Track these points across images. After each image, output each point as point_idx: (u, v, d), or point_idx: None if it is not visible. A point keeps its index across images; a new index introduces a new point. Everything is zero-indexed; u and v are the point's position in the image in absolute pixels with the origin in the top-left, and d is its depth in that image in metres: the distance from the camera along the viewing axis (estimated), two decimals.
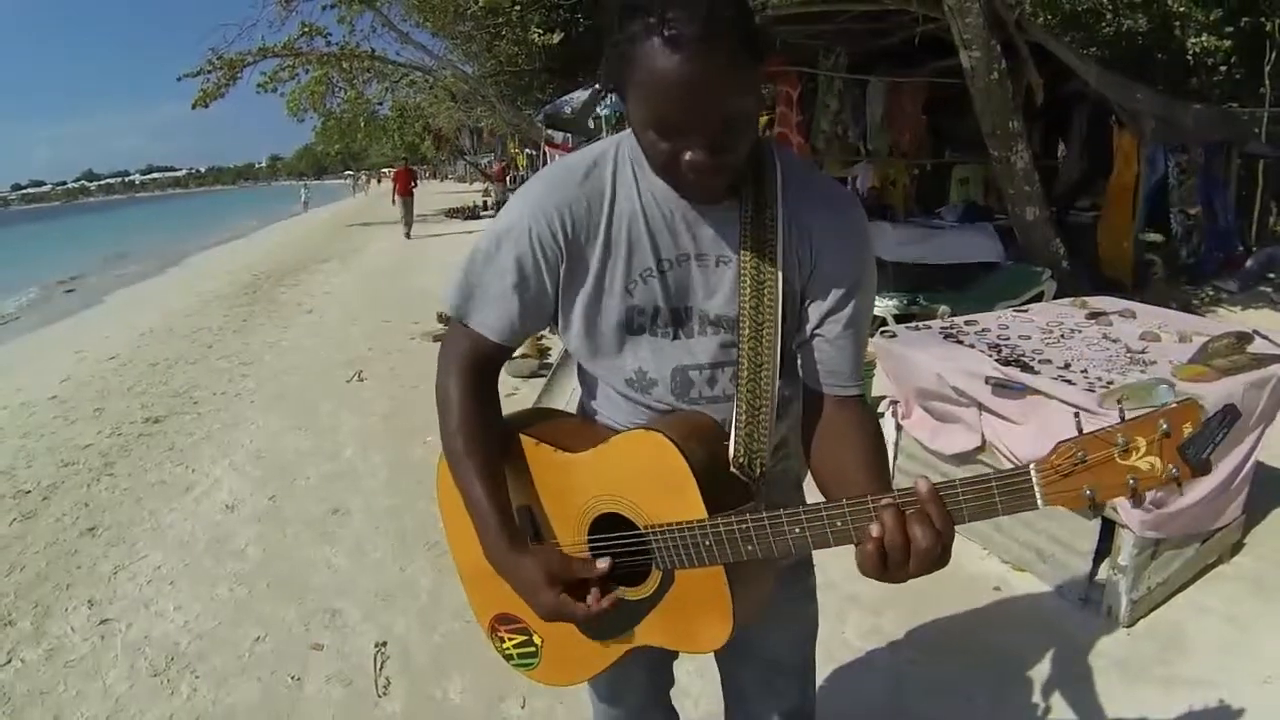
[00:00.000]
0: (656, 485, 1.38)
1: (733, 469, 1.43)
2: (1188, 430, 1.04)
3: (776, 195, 1.43)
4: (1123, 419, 1.08)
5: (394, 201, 23.95)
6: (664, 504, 1.37)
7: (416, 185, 24.06)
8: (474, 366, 1.53)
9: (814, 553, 1.75)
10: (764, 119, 9.54)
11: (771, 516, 1.27)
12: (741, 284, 1.43)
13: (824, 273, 1.45)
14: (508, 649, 1.68)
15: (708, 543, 1.32)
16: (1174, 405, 1.07)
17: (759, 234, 1.42)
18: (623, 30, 1.20)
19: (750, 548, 1.29)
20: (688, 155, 1.24)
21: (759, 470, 1.44)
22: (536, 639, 1.62)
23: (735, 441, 1.44)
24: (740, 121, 1.24)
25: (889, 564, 1.17)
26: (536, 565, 1.41)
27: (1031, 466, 1.11)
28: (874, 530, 1.17)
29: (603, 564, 1.42)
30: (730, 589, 1.37)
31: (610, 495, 1.44)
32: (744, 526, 1.29)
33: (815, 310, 1.47)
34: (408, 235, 22.23)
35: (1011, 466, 1.14)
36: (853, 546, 1.22)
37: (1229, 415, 1.04)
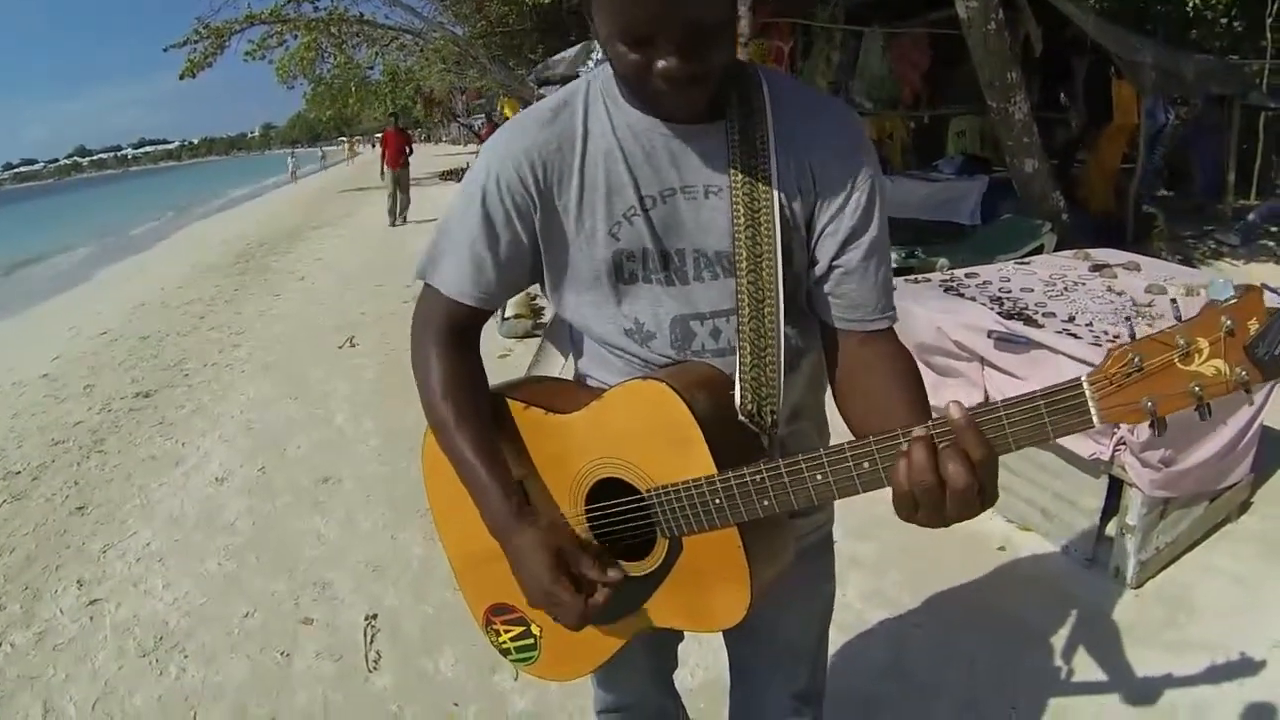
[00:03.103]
0: (658, 441, 1.26)
1: (741, 417, 1.31)
2: (1254, 326, 0.91)
3: (766, 115, 1.31)
4: (1179, 317, 0.96)
5: (382, 174, 17.66)
6: (668, 461, 1.25)
7: (411, 152, 18.20)
8: (451, 333, 1.42)
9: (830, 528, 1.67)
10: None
11: (789, 463, 1.14)
12: (735, 214, 1.30)
13: (831, 198, 1.32)
14: (504, 643, 1.57)
15: (718, 501, 1.20)
16: (1235, 299, 0.94)
17: (749, 158, 1.30)
18: None
19: (767, 502, 1.17)
20: (660, 63, 1.13)
21: (770, 419, 1.32)
22: (535, 629, 1.51)
23: (741, 388, 1.31)
24: (713, 27, 1.13)
25: (922, 505, 1.04)
26: (542, 543, 1.28)
27: (1083, 378, 0.98)
28: (901, 467, 1.04)
29: (614, 574, 1.29)
30: (746, 553, 1.24)
31: (609, 457, 1.32)
32: (759, 478, 1.17)
33: (830, 241, 1.33)
34: (395, 221, 17.19)
35: (1060, 384, 1.00)
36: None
37: None
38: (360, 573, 3.81)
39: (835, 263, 1.33)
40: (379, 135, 20.98)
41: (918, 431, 1.04)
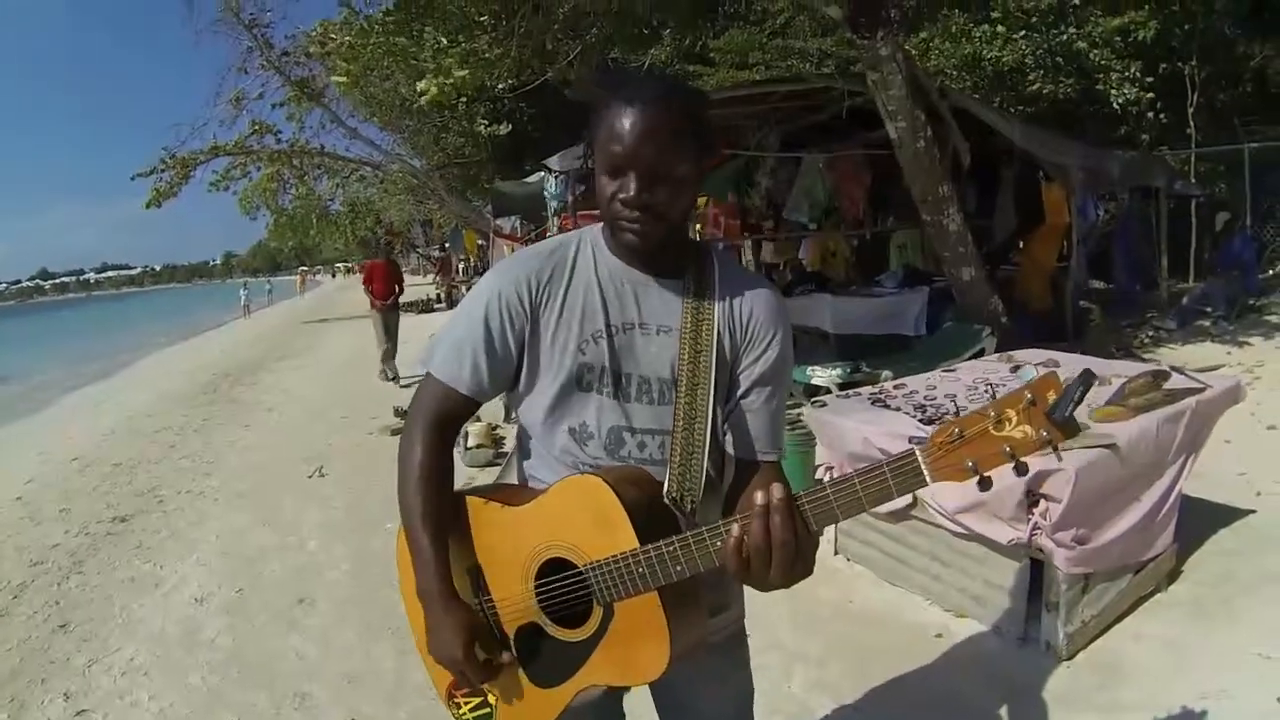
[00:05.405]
0: (591, 523, 1.55)
1: (665, 500, 1.63)
2: (1051, 397, 1.20)
3: (714, 280, 1.74)
4: (994, 398, 1.25)
5: (374, 318, 13.21)
6: (600, 540, 1.54)
7: (402, 290, 13.85)
8: (439, 417, 1.74)
9: (760, 617, 1.96)
10: (701, 200, 9.86)
11: (695, 534, 1.45)
12: (682, 349, 1.68)
13: (752, 349, 1.73)
14: (464, 715, 1.80)
15: (641, 570, 1.49)
16: (1035, 379, 1.24)
17: (698, 308, 1.71)
18: (601, 107, 1.58)
19: (680, 567, 1.47)
20: (622, 194, 1.55)
21: (690, 506, 1.64)
22: (491, 699, 1.76)
23: (670, 478, 1.65)
24: (673, 176, 1.57)
25: (753, 563, 1.39)
26: (464, 626, 1.62)
27: (916, 448, 1.29)
28: (735, 530, 1.40)
29: (506, 657, 1.66)
30: (666, 615, 1.53)
31: (553, 541, 1.61)
32: (672, 548, 1.46)
33: (743, 381, 1.73)
34: (388, 375, 12.91)
35: (899, 452, 1.32)
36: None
37: (1086, 377, 1.20)
38: (338, 684, 3.95)
39: (742, 400, 1.73)
40: (339, 266, 19.52)
41: (759, 507, 1.38)
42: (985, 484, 1.26)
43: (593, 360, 1.69)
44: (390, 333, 13.09)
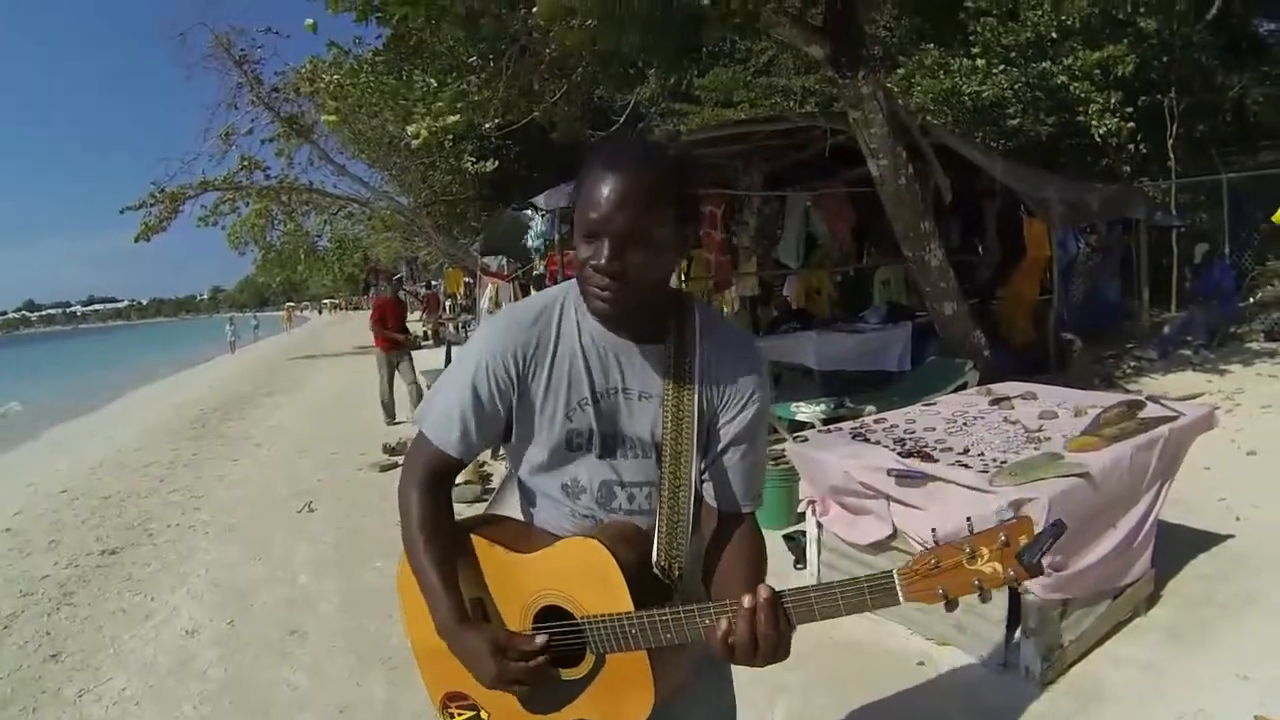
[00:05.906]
0: (592, 583, 1.65)
1: (655, 570, 1.71)
2: (1023, 540, 1.32)
3: (695, 343, 1.76)
4: (971, 531, 1.36)
5: (382, 358, 11.95)
6: (598, 598, 1.64)
7: (409, 336, 12.69)
8: (432, 475, 1.82)
9: None
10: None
11: (686, 610, 1.56)
12: (664, 417, 1.74)
13: (729, 409, 1.77)
14: None
15: (634, 631, 1.59)
16: (1012, 520, 1.35)
17: (679, 376, 1.74)
18: (582, 172, 1.61)
19: (669, 635, 1.57)
20: (594, 260, 1.58)
21: (677, 573, 1.73)
22: (484, 715, 1.84)
23: (658, 548, 1.73)
24: (645, 241, 1.58)
25: (737, 652, 1.51)
26: (482, 637, 1.66)
27: (895, 571, 1.40)
28: (723, 625, 1.50)
29: (540, 639, 1.67)
30: (653, 670, 1.64)
31: (552, 590, 1.70)
32: (664, 618, 1.57)
33: (723, 436, 1.78)
34: (392, 417, 11.89)
35: (879, 572, 1.43)
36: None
37: (1057, 528, 1.33)
38: (330, 714, 3.99)
39: (722, 455, 1.79)
40: (326, 302, 19.26)
41: (748, 603, 1.49)
42: (951, 606, 1.39)
43: (580, 426, 1.76)
44: (410, 371, 11.85)
